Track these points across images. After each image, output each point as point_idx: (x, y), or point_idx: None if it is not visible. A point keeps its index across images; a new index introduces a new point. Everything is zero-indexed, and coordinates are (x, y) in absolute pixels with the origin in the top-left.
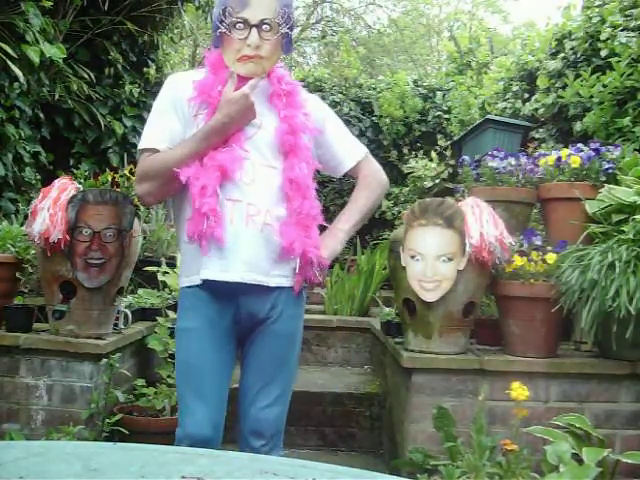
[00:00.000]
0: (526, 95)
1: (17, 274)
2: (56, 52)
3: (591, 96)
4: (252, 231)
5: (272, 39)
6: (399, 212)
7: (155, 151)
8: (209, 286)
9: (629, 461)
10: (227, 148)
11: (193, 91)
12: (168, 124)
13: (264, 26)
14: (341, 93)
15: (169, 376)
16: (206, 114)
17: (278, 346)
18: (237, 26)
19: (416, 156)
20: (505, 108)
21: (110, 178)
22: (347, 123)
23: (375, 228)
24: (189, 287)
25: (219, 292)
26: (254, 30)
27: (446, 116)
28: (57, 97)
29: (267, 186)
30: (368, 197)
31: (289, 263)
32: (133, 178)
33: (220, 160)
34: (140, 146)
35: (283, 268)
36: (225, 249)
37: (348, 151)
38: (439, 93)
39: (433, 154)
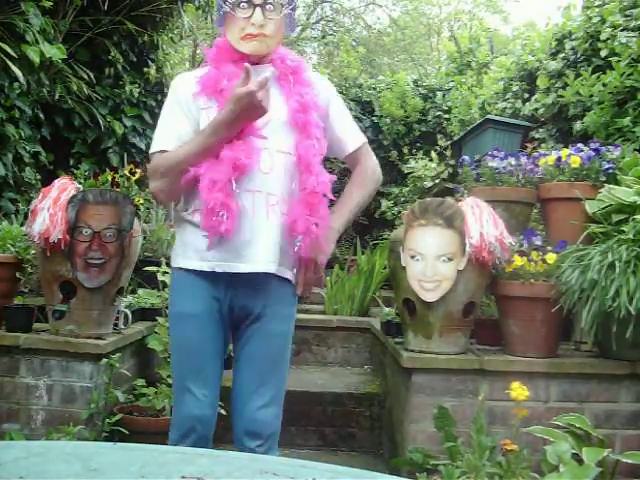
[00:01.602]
0: (526, 95)
1: (17, 274)
2: (56, 52)
3: (591, 96)
4: (273, 222)
5: (276, 18)
6: (399, 212)
7: (164, 152)
8: (213, 274)
9: (629, 461)
10: (243, 140)
11: (197, 86)
12: (176, 125)
13: (267, 6)
14: (341, 93)
15: (169, 376)
16: (217, 107)
17: (274, 345)
18: (241, 5)
19: (416, 155)
20: (505, 108)
21: (110, 178)
22: None
23: (375, 228)
24: (187, 270)
25: (221, 280)
26: (258, 9)
27: (446, 116)
28: (57, 97)
29: (283, 173)
30: (361, 195)
31: (293, 255)
32: (133, 178)
33: (237, 152)
34: (151, 150)
35: (290, 259)
36: (245, 241)
37: (351, 134)
38: (439, 93)
39: (433, 154)
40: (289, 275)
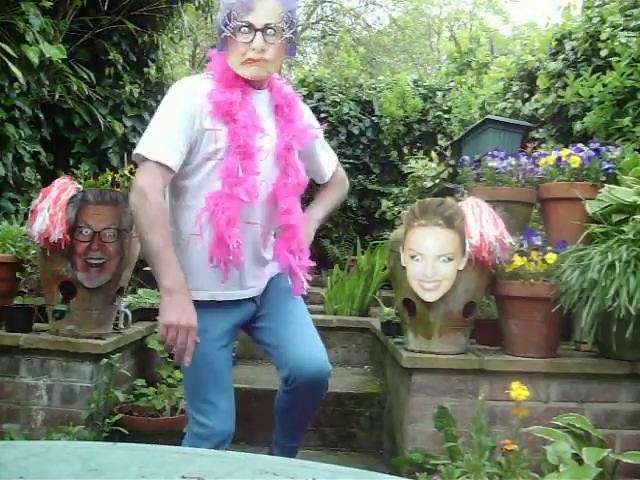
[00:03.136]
0: (526, 95)
1: (17, 274)
2: (56, 52)
3: (591, 96)
4: (268, 250)
5: (276, 43)
6: (399, 212)
7: (165, 167)
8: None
9: (629, 461)
10: (247, 173)
11: (207, 103)
12: (176, 139)
13: (268, 30)
14: (341, 93)
15: (169, 376)
16: (227, 132)
17: (293, 295)
18: (242, 30)
19: (416, 155)
20: (505, 108)
21: (110, 178)
22: (347, 123)
23: (375, 228)
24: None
25: (226, 302)
26: (259, 34)
27: (446, 116)
28: (57, 97)
29: (269, 205)
30: (337, 199)
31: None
32: (133, 178)
33: (245, 188)
34: (144, 153)
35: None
36: (244, 271)
37: (328, 161)
38: (439, 93)
39: (433, 154)
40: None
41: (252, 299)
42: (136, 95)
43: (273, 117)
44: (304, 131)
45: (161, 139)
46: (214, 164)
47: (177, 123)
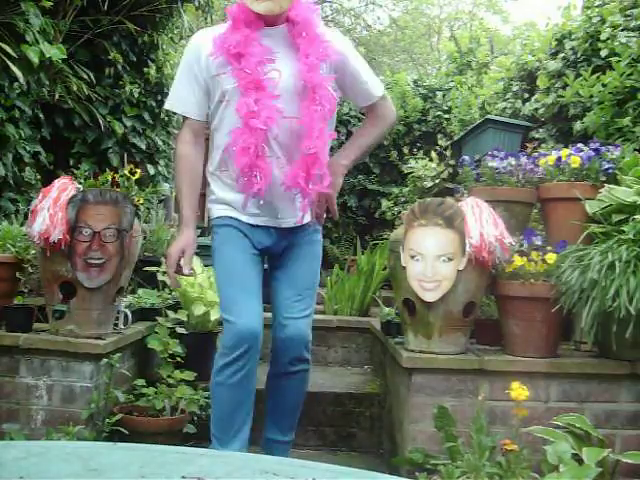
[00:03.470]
0: (526, 95)
1: (17, 274)
2: (56, 52)
3: (591, 96)
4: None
5: None
6: (399, 212)
7: (187, 118)
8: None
9: (629, 461)
10: (263, 106)
11: (212, 48)
12: (183, 91)
13: None
14: None
15: (169, 376)
16: (230, 72)
17: (310, 263)
18: None
19: (416, 155)
20: (505, 108)
21: (110, 178)
22: (347, 123)
23: (375, 228)
24: (224, 216)
25: (254, 226)
26: None
27: (446, 116)
28: (57, 97)
29: (290, 137)
30: (372, 136)
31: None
32: (133, 178)
33: (262, 118)
34: (173, 108)
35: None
36: (271, 202)
37: (374, 79)
38: (439, 93)
39: (433, 154)
40: (309, 218)
41: (270, 235)
42: (136, 95)
43: (291, 50)
44: (327, 46)
45: (173, 91)
46: (224, 105)
47: (181, 77)
